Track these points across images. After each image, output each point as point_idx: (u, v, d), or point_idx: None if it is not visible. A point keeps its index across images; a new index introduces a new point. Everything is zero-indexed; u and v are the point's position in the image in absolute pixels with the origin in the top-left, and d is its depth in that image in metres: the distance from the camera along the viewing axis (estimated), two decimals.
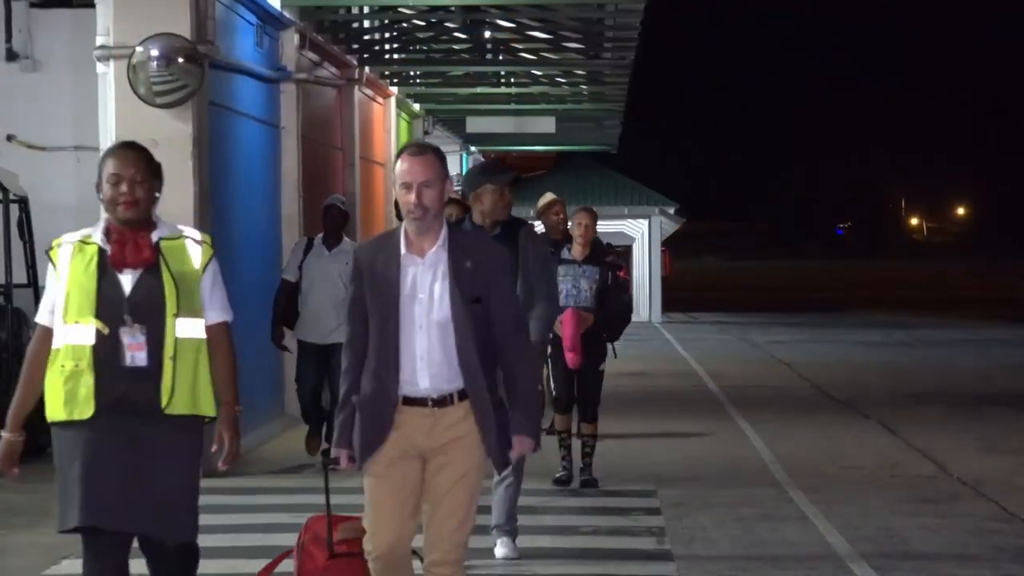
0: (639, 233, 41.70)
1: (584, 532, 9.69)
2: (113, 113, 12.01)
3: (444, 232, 5.73)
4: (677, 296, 46.34)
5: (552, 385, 11.53)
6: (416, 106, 26.46)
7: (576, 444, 11.52)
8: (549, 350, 10.95)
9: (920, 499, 11.04)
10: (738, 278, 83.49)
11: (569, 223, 11.82)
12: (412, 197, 5.63)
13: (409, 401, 5.69)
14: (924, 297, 55.50)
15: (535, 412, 5.84)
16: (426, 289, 5.67)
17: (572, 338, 11.13)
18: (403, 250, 5.71)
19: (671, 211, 41.34)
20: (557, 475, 11.41)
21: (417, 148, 5.74)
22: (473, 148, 34.92)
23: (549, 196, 12.05)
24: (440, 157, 5.74)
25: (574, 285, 11.26)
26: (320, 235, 12.19)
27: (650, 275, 39.85)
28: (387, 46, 20.91)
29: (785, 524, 9.97)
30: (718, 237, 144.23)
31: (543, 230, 12.17)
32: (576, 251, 11.42)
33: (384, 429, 5.67)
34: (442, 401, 5.69)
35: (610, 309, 11.38)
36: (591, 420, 11.46)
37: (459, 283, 5.65)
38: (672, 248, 48.23)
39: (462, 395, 5.69)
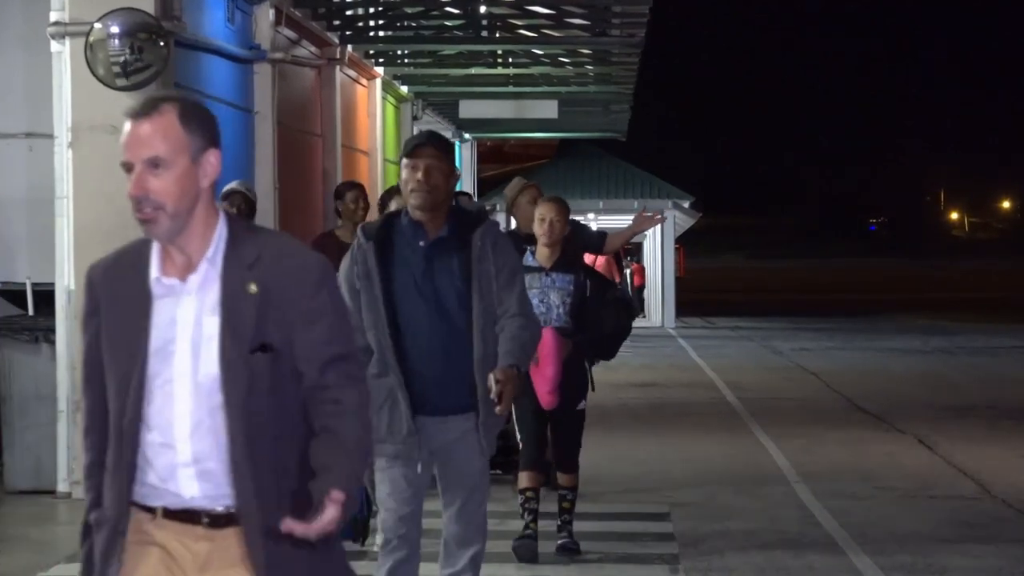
0: (651, 229, 41.70)
1: (590, 560, 9.70)
2: (69, 96, 12.03)
3: (220, 234, 3.91)
4: (692, 299, 46.36)
5: (517, 430, 9.81)
6: (404, 89, 26.49)
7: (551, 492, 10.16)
8: None
9: (961, 523, 11.05)
10: (760, 279, 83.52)
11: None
12: (130, 186, 3.85)
13: (172, 514, 3.89)
14: (966, 299, 55.52)
15: (358, 461, 3.93)
16: (188, 331, 3.86)
17: (555, 376, 9.37)
18: (154, 271, 3.92)
19: (686, 204, 41.37)
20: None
21: (145, 104, 3.89)
22: (467, 135, 34.94)
23: (520, 181, 10.76)
24: (190, 115, 3.89)
25: (542, 300, 9.39)
26: None
27: (663, 276, 39.88)
28: (372, 22, 20.93)
29: (812, 551, 9.99)
30: (738, 233, 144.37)
31: (513, 227, 10.91)
32: (541, 255, 9.59)
33: (116, 560, 3.97)
34: (225, 518, 3.88)
35: (593, 330, 9.57)
36: (569, 471, 9.82)
37: (232, 318, 3.83)
38: (687, 245, 48.28)
39: None
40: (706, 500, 11.98)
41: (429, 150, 6.39)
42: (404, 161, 6.39)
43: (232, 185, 11.14)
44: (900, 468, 13.84)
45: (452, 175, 6.46)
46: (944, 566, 9.54)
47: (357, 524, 9.41)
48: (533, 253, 9.58)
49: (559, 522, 9.79)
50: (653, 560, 9.67)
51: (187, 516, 3.88)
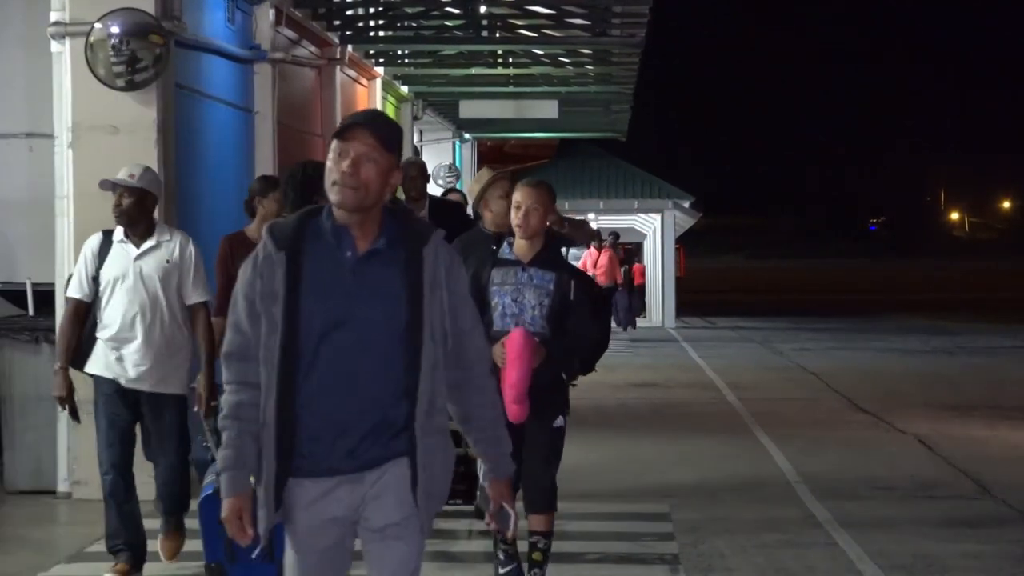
0: (651, 229, 41.76)
1: (590, 559, 9.69)
2: (69, 96, 12.02)
3: None
4: (693, 299, 46.37)
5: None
6: (404, 88, 26.47)
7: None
8: None
9: (961, 523, 11.05)
10: (760, 279, 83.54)
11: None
12: None
13: None
14: (966, 299, 55.52)
15: None
16: None
17: (520, 381, 7.66)
18: None
19: (686, 204, 41.40)
20: None
21: None
22: (467, 135, 34.94)
23: (488, 171, 9.37)
24: None
25: (515, 299, 7.92)
26: (119, 229, 8.97)
27: (663, 275, 39.90)
28: (372, 22, 20.92)
29: (812, 550, 9.99)
30: (738, 233, 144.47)
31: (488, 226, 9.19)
32: (519, 248, 8.07)
33: None
34: None
35: (575, 339, 7.99)
36: (543, 510, 8.02)
37: None
38: (687, 246, 48.30)
39: None
40: (707, 500, 11.97)
41: (363, 134, 4.91)
42: (332, 143, 4.97)
43: (122, 175, 8.97)
44: (900, 468, 13.83)
45: (391, 172, 4.91)
46: (945, 566, 9.54)
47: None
48: (511, 245, 8.11)
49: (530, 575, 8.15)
50: (653, 560, 9.66)
51: None
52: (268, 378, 4.82)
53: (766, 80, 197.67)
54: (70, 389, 8.71)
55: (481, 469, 5.26)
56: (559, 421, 8.00)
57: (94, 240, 8.98)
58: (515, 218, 8.03)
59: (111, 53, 11.79)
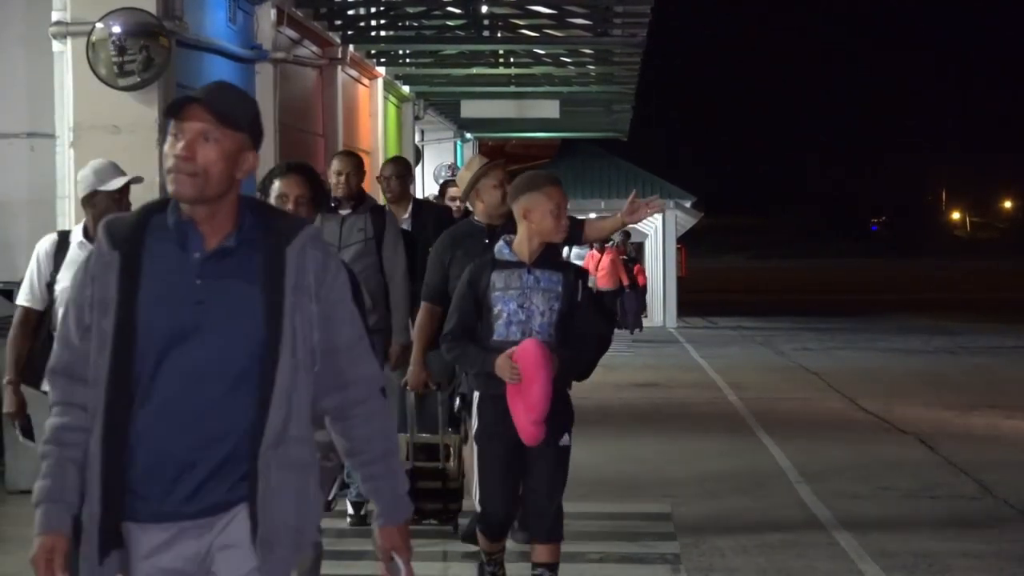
0: (652, 229, 41.74)
1: (590, 559, 9.68)
2: (71, 96, 12.03)
3: None
4: (694, 299, 46.37)
5: (477, 479, 7.35)
6: (406, 88, 26.48)
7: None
8: (475, 413, 7.29)
9: (962, 523, 11.04)
10: (762, 279, 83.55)
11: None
12: None
13: None
14: (968, 299, 55.50)
15: None
16: None
17: (543, 399, 6.93)
18: None
19: (688, 204, 41.40)
20: None
21: None
22: (469, 135, 34.94)
23: (481, 159, 8.69)
24: None
25: (521, 305, 7.08)
26: (80, 228, 7.86)
27: (664, 275, 39.90)
28: (373, 22, 20.93)
29: (814, 551, 9.97)
30: (739, 233, 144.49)
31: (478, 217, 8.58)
32: (521, 247, 7.20)
33: None
34: None
35: (579, 344, 7.19)
36: (548, 539, 7.16)
37: None
38: (689, 245, 48.28)
39: None
40: (708, 500, 11.96)
41: (199, 111, 4.01)
42: (169, 124, 4.07)
43: (111, 182, 7.82)
44: (902, 468, 13.82)
45: (240, 154, 4.09)
46: (946, 566, 9.53)
47: None
48: (509, 244, 7.24)
49: None
50: (654, 560, 9.65)
51: None
52: (95, 404, 4.04)
53: (766, 80, 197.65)
54: (21, 405, 7.97)
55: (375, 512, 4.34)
56: (565, 439, 7.17)
57: (47, 242, 7.89)
58: (555, 226, 7.13)
59: (112, 53, 11.79)
